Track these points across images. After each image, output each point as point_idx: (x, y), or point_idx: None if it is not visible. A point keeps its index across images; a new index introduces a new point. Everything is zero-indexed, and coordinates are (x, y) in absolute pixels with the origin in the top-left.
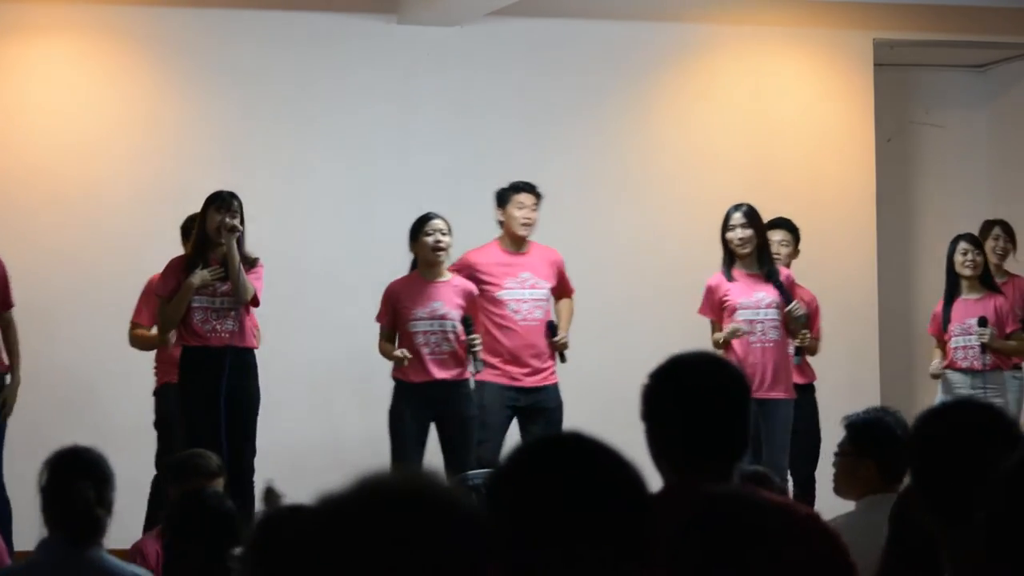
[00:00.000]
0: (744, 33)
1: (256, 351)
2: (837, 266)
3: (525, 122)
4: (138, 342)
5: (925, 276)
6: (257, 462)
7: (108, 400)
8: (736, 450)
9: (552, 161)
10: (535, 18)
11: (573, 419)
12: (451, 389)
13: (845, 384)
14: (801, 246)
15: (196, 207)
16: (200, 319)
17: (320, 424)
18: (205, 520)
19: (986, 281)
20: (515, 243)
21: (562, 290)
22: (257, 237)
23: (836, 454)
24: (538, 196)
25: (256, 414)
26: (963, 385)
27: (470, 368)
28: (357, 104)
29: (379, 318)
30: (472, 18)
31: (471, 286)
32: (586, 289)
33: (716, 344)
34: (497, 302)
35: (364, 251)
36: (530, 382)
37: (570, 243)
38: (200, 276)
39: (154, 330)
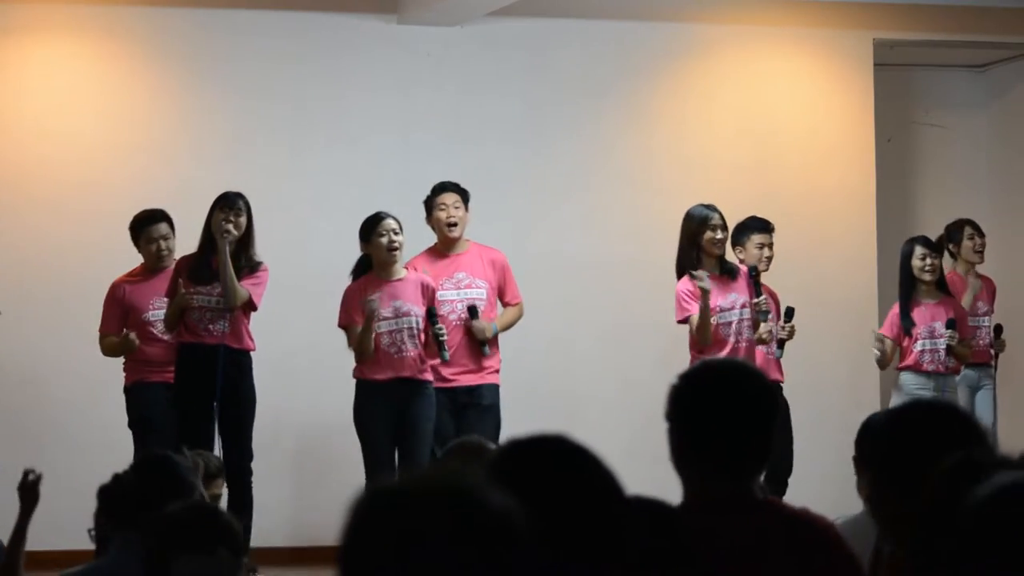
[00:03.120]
0: (744, 33)
1: (252, 353)
2: (837, 266)
3: (525, 122)
4: (111, 350)
5: None
6: (259, 459)
7: (108, 398)
8: (759, 459)
9: (552, 160)
10: (535, 18)
11: (572, 422)
12: (415, 388)
13: (845, 384)
14: (801, 246)
15: (195, 205)
16: (196, 318)
17: (320, 422)
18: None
19: (940, 284)
20: (447, 245)
21: (505, 294)
22: (256, 237)
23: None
24: (462, 193)
25: (251, 416)
26: (924, 387)
27: (440, 358)
28: (357, 104)
29: (344, 321)
30: (472, 18)
31: (428, 279)
32: (585, 288)
33: (698, 326)
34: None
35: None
36: (462, 381)
37: (568, 242)
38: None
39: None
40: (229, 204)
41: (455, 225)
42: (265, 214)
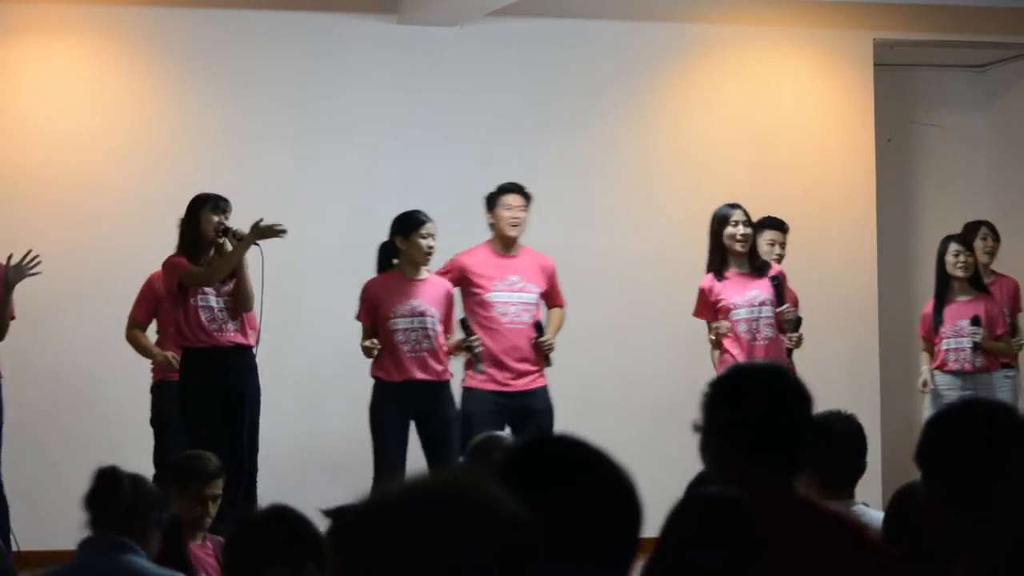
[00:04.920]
0: (744, 33)
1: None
2: (837, 266)
3: (524, 121)
4: (134, 343)
5: (925, 276)
6: (265, 460)
7: (107, 398)
8: (794, 463)
9: (551, 161)
10: (535, 18)
11: (575, 422)
12: (431, 390)
13: (845, 384)
14: (801, 246)
15: None
16: (207, 318)
17: (318, 422)
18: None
19: (975, 282)
20: (504, 245)
21: (552, 298)
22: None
23: None
24: (527, 197)
25: (259, 414)
26: (952, 387)
27: (475, 369)
28: (356, 104)
29: (360, 317)
30: (472, 18)
31: (449, 285)
32: (585, 287)
33: (714, 345)
34: (485, 304)
35: (362, 252)
36: (517, 385)
37: (568, 242)
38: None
39: (153, 338)
40: (221, 206)
41: (517, 226)
42: (265, 213)
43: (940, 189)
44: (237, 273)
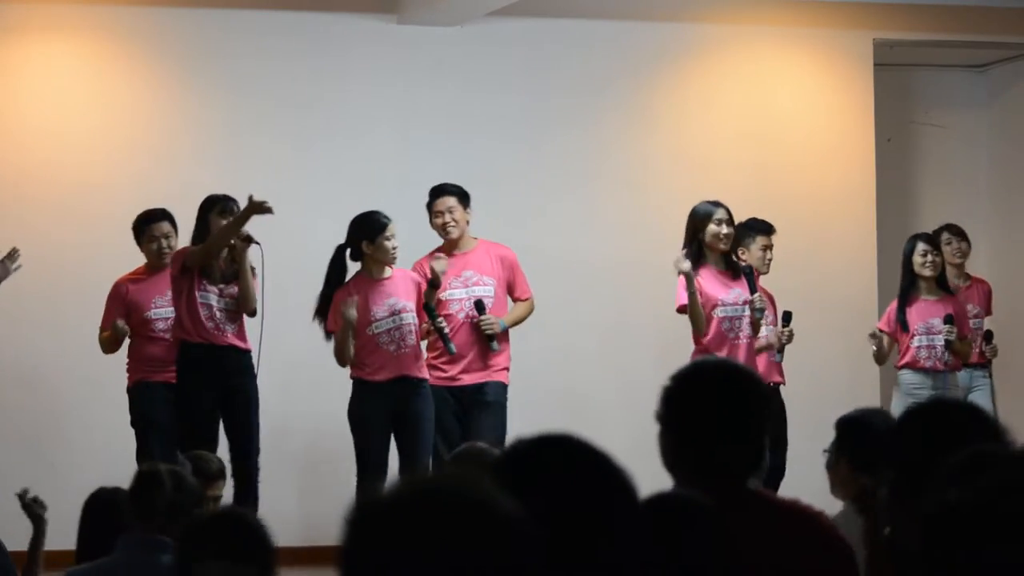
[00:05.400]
0: (744, 33)
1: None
2: (837, 266)
3: (524, 121)
4: (107, 344)
5: None
6: (264, 459)
7: (105, 399)
8: (753, 460)
9: (551, 159)
10: (535, 18)
11: (574, 422)
12: (413, 387)
13: (845, 384)
14: (801, 246)
15: (195, 206)
16: (206, 315)
17: (324, 422)
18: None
19: (942, 283)
20: (451, 245)
21: (515, 290)
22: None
23: (824, 451)
24: (460, 195)
25: (258, 414)
26: (922, 386)
27: (447, 351)
28: (356, 104)
29: (332, 327)
30: (472, 18)
31: (415, 275)
32: (584, 286)
33: (689, 312)
34: (441, 304)
35: None
36: (469, 380)
37: (567, 240)
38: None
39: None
40: (230, 209)
41: (452, 228)
42: (261, 214)
43: (940, 189)
44: (239, 275)
